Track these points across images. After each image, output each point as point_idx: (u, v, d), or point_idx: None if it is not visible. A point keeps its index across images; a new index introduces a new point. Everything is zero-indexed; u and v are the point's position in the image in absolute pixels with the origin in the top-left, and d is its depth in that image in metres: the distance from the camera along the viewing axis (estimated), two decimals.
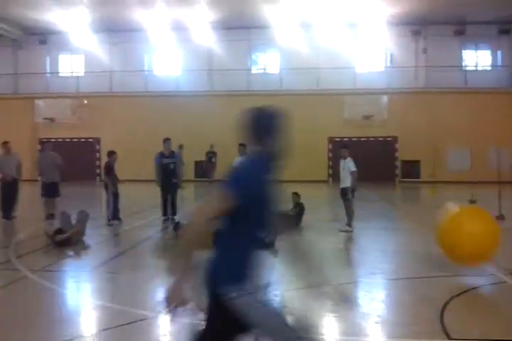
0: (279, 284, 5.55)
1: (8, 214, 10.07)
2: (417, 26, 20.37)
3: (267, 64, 21.95)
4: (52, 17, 19.20)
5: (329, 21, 19.22)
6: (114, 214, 9.71)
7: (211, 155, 19.89)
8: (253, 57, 21.88)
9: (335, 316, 4.43)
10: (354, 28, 20.10)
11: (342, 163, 8.99)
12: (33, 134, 21.80)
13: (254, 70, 22.02)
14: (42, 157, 10.93)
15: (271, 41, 20.67)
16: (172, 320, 3.87)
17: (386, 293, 5.50)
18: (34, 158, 20.08)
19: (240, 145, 10.01)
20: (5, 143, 10.41)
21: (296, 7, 17.99)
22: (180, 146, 16.16)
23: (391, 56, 20.83)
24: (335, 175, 15.33)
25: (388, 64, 21.05)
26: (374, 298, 5.07)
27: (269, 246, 7.14)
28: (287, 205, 10.45)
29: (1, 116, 21.37)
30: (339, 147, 9.99)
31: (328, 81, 20.29)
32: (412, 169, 20.79)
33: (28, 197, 11.38)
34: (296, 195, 9.51)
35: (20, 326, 4.29)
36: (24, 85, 22.06)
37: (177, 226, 8.58)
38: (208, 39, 20.55)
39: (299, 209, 9.35)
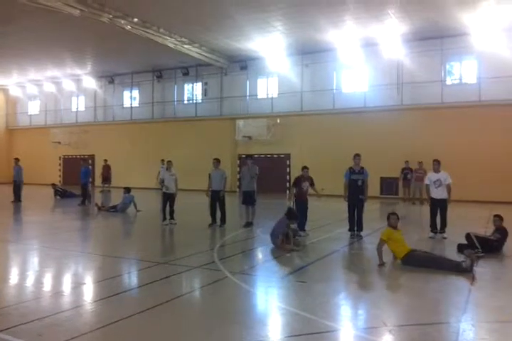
0: (474, 315, 5.13)
1: (214, 220, 11.53)
2: None
3: (462, 74, 20.33)
4: (252, 45, 21.26)
5: None
6: (301, 226, 10.22)
7: (407, 171, 18.92)
8: (447, 67, 20.52)
9: None
10: None
11: None
12: (233, 150, 24.37)
13: (449, 81, 20.62)
14: (244, 170, 12.09)
15: (467, 49, 19.08)
16: None
17: None
18: (235, 172, 22.48)
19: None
20: (216, 159, 11.91)
21: (498, 11, 16.36)
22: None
23: None
24: None
25: None
26: None
27: (465, 271, 6.62)
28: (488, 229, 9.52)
29: (210, 134, 24.53)
30: None
31: None
32: None
33: (230, 206, 12.71)
34: (498, 217, 8.62)
35: (219, 321, 4.77)
36: (227, 107, 24.85)
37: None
38: (398, 52, 20.10)
39: (501, 233, 8.41)
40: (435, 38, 19.35)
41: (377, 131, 20.37)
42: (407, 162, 18.97)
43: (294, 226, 9.22)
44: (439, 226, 9.92)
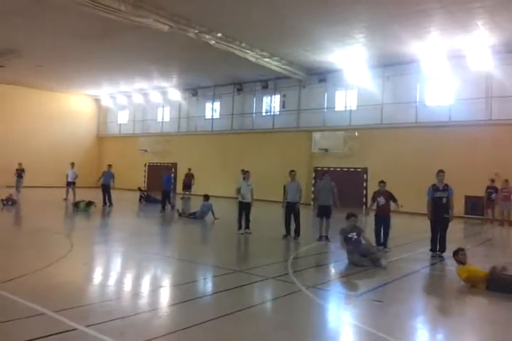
0: None
1: (288, 232, 11.55)
2: None
3: None
4: (331, 58, 21.14)
5: None
6: (384, 242, 9.98)
7: (491, 190, 17.33)
8: None
9: None
10: None
11: None
12: (309, 162, 24.28)
13: None
14: (320, 184, 12.01)
15: None
16: None
17: None
18: (309, 184, 22.33)
19: None
20: (292, 171, 11.89)
21: None
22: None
23: None
24: None
25: None
26: None
27: None
28: None
29: (286, 146, 24.68)
30: None
31: None
32: None
33: (304, 218, 12.66)
34: None
35: (291, 334, 4.74)
36: (305, 120, 24.86)
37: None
38: (486, 64, 18.98)
39: None
40: None
41: (462, 146, 19.29)
42: (492, 180, 17.58)
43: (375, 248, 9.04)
44: None
